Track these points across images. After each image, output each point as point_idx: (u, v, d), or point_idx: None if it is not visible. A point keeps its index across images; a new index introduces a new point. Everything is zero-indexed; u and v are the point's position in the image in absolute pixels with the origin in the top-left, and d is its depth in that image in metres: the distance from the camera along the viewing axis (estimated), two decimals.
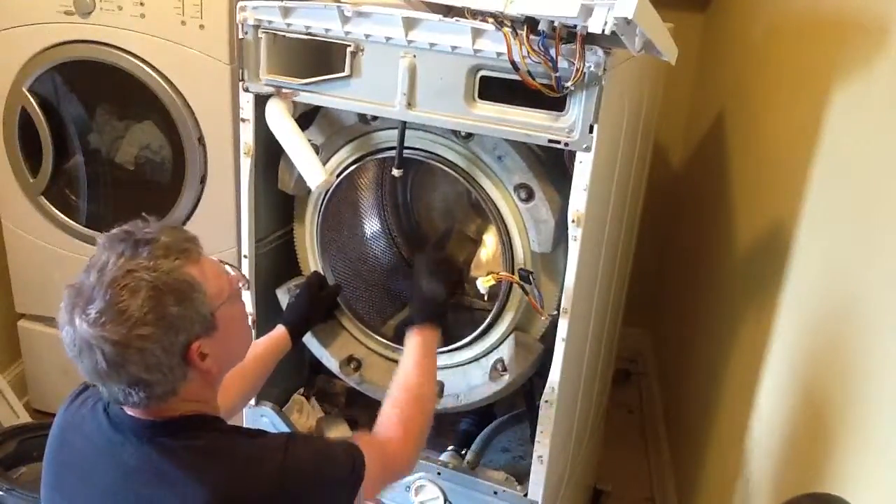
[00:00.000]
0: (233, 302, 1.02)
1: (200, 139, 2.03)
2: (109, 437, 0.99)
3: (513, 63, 1.13)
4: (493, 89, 1.22)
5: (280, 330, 1.42)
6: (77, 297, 0.90)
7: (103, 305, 0.88)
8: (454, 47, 1.20)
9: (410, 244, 1.74)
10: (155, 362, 0.91)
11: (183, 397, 0.98)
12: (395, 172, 1.38)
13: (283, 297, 1.54)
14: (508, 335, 1.42)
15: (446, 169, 1.36)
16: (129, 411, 0.98)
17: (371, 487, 1.10)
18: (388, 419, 1.20)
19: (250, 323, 1.53)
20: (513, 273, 1.36)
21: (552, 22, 1.09)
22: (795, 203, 1.39)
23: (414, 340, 1.31)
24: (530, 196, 1.31)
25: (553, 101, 1.17)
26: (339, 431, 1.59)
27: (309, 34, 1.29)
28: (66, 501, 1.03)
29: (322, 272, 1.54)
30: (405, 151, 1.36)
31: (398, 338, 1.48)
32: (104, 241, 0.93)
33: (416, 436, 1.21)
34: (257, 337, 1.52)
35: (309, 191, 1.46)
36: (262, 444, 1.00)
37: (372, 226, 1.69)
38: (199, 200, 2.08)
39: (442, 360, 1.48)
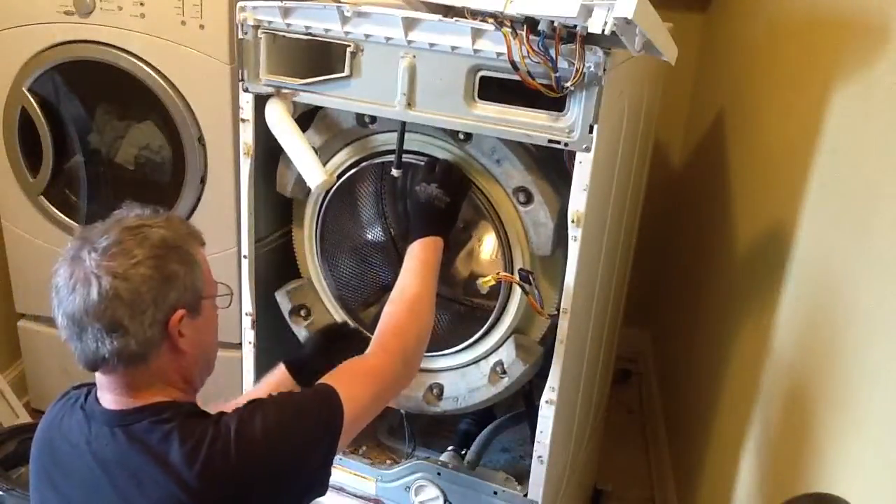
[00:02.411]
0: (214, 304, 1.06)
1: (200, 139, 2.03)
2: (84, 432, 1.00)
3: (513, 63, 1.13)
4: (493, 89, 1.22)
5: (281, 371, 1.35)
6: (88, 236, 0.96)
7: (113, 241, 0.94)
8: (454, 47, 1.20)
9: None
10: (141, 308, 0.94)
11: (152, 374, 0.99)
12: (395, 173, 1.38)
13: (283, 300, 1.54)
14: (508, 338, 1.42)
15: None
16: (103, 402, 1.00)
17: (365, 411, 1.10)
18: (381, 334, 1.20)
19: (249, 324, 1.53)
20: (512, 273, 1.36)
21: (552, 22, 1.09)
22: (795, 203, 1.38)
23: (411, 251, 1.28)
24: (529, 199, 1.31)
25: (553, 101, 1.17)
26: None
27: (309, 34, 1.29)
28: (55, 498, 1.04)
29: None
30: (404, 154, 1.36)
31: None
32: (125, 205, 1.01)
33: (410, 347, 1.19)
34: (258, 336, 1.52)
35: (307, 193, 1.46)
36: (222, 419, 1.00)
37: (371, 228, 1.69)
38: (199, 200, 2.08)
39: (441, 363, 1.48)
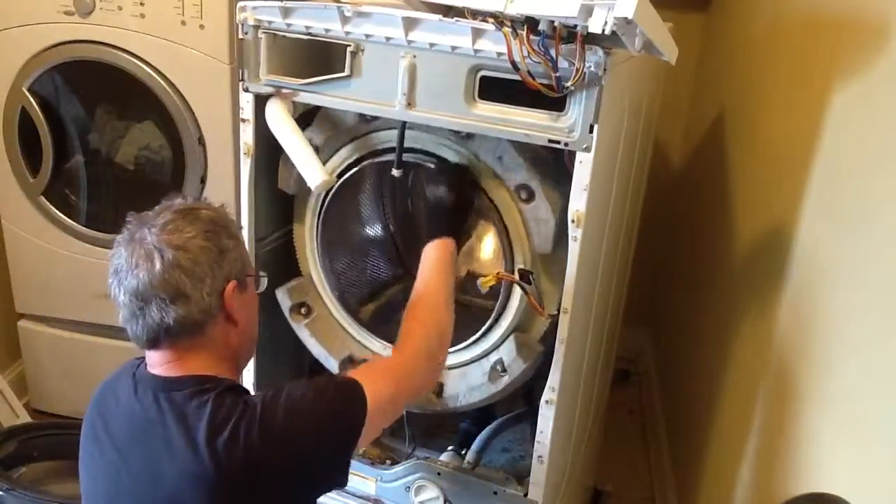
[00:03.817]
0: (254, 284, 1.14)
1: (200, 139, 2.03)
2: (130, 395, 1.06)
3: (513, 63, 1.13)
4: (494, 89, 1.22)
5: None
6: (143, 219, 1.04)
7: (169, 219, 1.03)
8: (454, 47, 1.20)
9: (410, 245, 1.74)
10: (200, 277, 1.02)
11: (205, 345, 1.05)
12: (395, 173, 1.38)
13: (283, 297, 1.54)
14: (508, 336, 1.42)
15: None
16: (151, 370, 1.06)
17: (389, 407, 1.13)
18: (402, 334, 1.23)
19: None
20: (513, 273, 1.36)
21: (552, 22, 1.09)
22: (796, 202, 1.39)
23: (425, 253, 1.30)
24: (531, 196, 1.31)
25: (553, 101, 1.17)
26: None
27: (309, 34, 1.29)
28: (97, 453, 1.09)
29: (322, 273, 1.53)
30: (404, 153, 1.36)
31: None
32: (166, 198, 1.09)
33: (432, 343, 1.22)
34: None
35: (309, 191, 1.46)
36: (251, 399, 1.04)
37: (372, 227, 1.69)
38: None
39: None
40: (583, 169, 1.19)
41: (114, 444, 1.06)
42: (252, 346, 1.17)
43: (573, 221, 1.22)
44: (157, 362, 1.06)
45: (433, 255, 1.29)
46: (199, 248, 1.02)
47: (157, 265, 0.99)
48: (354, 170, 1.43)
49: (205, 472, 0.97)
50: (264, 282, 1.19)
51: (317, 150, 1.41)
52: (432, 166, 1.36)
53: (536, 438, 1.35)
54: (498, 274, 1.32)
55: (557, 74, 1.12)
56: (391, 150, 1.37)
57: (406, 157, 1.36)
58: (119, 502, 1.05)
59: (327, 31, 1.27)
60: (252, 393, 1.08)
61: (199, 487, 0.98)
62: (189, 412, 1.01)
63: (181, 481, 0.99)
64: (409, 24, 1.21)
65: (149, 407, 1.04)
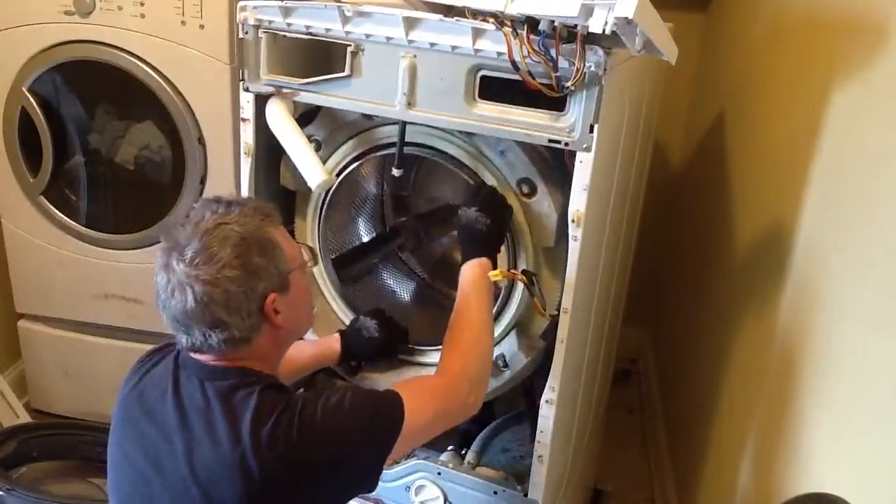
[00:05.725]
0: (302, 271, 1.13)
1: (200, 139, 2.03)
2: (172, 378, 1.08)
3: (513, 63, 1.13)
4: (494, 89, 1.23)
5: (335, 346, 1.47)
6: (174, 244, 1.02)
7: (198, 248, 1.01)
8: (454, 47, 1.20)
9: (412, 242, 1.74)
10: (236, 305, 1.02)
11: (253, 350, 1.06)
12: (395, 172, 1.38)
13: None
14: (510, 331, 1.43)
15: (448, 165, 1.37)
16: (198, 357, 1.07)
17: (425, 426, 1.14)
18: (446, 357, 1.24)
19: None
20: (516, 269, 1.36)
21: (552, 22, 1.09)
22: (795, 203, 1.39)
23: (462, 275, 1.31)
24: (533, 191, 1.32)
25: (553, 100, 1.17)
26: None
27: (309, 34, 1.29)
28: (133, 434, 1.09)
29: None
30: (407, 147, 1.36)
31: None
32: (200, 202, 1.08)
33: (474, 370, 1.23)
34: None
35: (309, 188, 1.46)
36: (293, 398, 1.06)
37: (374, 222, 1.69)
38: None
39: None
40: (583, 169, 1.19)
41: (157, 426, 1.06)
42: (304, 332, 1.19)
43: (573, 221, 1.22)
44: (202, 357, 1.08)
45: (470, 277, 1.30)
46: (230, 280, 1.01)
47: (190, 300, 1.00)
48: (357, 165, 1.43)
49: (244, 462, 0.99)
50: (312, 262, 1.18)
51: (319, 145, 1.41)
52: (471, 182, 1.36)
53: (536, 438, 1.35)
54: (508, 271, 1.33)
55: (557, 74, 1.12)
56: (393, 144, 1.37)
57: (408, 149, 1.36)
58: (157, 483, 1.06)
59: (327, 30, 1.27)
60: (292, 391, 1.10)
61: (236, 477, 0.99)
62: (234, 402, 1.03)
63: (219, 468, 1.00)
64: (410, 23, 1.21)
65: (194, 393, 1.05)
